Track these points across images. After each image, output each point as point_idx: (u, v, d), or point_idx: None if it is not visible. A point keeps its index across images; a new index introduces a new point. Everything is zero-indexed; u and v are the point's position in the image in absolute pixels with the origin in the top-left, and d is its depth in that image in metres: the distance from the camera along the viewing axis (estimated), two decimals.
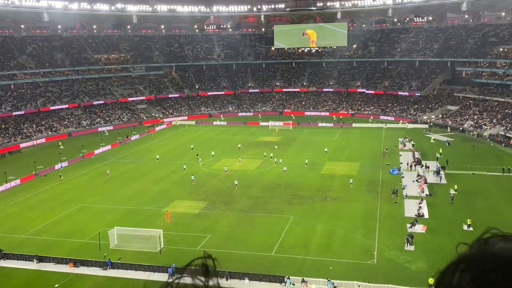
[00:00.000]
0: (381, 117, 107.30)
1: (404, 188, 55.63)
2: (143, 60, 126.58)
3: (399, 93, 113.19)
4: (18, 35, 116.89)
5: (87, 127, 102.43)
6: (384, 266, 37.40)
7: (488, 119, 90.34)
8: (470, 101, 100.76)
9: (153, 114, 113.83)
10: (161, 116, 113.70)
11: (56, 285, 35.79)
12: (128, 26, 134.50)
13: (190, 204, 53.22)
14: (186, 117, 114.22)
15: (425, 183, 57.18)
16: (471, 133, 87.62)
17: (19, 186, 62.78)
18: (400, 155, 72.92)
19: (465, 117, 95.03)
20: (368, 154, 74.45)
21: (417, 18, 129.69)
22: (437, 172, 61.10)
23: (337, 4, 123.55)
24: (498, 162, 66.25)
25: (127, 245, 41.89)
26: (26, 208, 53.80)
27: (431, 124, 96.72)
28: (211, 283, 1.54)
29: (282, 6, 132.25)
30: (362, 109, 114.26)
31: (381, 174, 62.87)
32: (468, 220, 43.58)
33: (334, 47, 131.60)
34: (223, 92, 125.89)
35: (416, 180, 58.81)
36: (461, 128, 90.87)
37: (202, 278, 1.54)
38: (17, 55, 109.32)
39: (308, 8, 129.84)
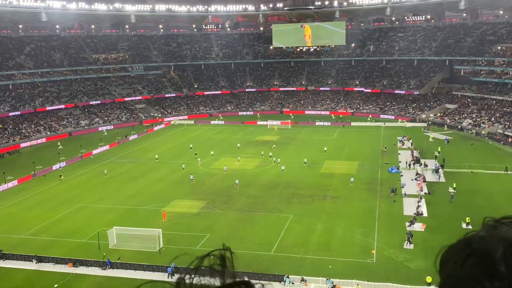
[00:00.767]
0: (381, 116, 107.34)
1: (403, 187, 55.67)
2: (142, 60, 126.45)
3: (398, 91, 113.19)
4: (16, 35, 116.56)
5: (85, 127, 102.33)
6: (383, 264, 37.46)
7: (486, 117, 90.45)
8: (469, 100, 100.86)
9: (151, 114, 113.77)
10: (159, 115, 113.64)
11: (56, 285, 35.77)
12: (127, 26, 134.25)
13: (189, 203, 53.21)
14: (186, 117, 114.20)
15: (424, 181, 57.27)
16: (470, 131, 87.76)
17: (17, 186, 62.70)
18: (399, 153, 73.00)
19: (463, 116, 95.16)
20: (367, 152, 74.49)
21: (415, 17, 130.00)
22: (436, 171, 61.19)
23: (335, 3, 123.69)
24: (497, 160, 66.37)
25: (126, 244, 41.86)
26: (25, 208, 53.76)
27: (430, 122, 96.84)
28: (227, 274, 1.58)
29: (280, 5, 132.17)
30: (361, 107, 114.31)
31: (380, 172, 62.94)
32: (467, 219, 43.60)
33: (333, 46, 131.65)
34: (221, 92, 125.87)
35: (415, 179, 58.88)
36: (459, 127, 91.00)
37: (220, 269, 1.59)
38: (15, 55, 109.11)
39: (307, 7, 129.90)
